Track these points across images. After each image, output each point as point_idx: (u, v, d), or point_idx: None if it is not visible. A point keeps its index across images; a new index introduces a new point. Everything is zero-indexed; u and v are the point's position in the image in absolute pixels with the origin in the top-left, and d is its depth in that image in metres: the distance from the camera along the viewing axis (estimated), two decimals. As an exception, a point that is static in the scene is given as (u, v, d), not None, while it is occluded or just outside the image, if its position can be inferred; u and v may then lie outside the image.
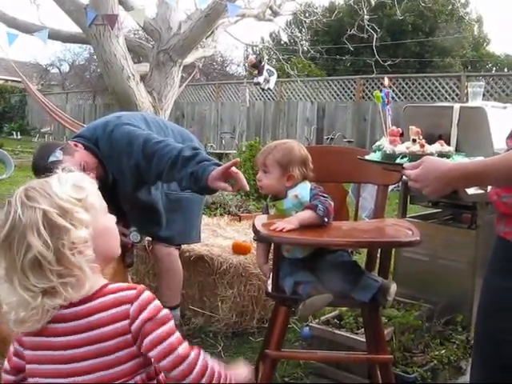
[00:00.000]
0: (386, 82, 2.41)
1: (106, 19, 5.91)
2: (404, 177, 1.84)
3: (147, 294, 1.29)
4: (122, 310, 1.26)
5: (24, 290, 1.23)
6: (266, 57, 11.32)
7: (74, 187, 1.30)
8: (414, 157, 1.80)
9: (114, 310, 1.26)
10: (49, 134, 21.55)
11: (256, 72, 10.75)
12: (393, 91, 12.50)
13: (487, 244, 1.65)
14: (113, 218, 1.40)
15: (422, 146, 1.86)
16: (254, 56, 11.08)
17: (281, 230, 2.00)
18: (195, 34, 6.57)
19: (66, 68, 27.05)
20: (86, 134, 2.93)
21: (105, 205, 1.38)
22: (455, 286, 3.20)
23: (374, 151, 2.05)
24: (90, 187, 1.35)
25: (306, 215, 2.10)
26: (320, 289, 2.06)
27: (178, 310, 3.19)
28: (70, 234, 1.24)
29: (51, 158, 2.68)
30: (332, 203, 2.16)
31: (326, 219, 2.10)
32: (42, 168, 2.64)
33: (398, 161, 1.87)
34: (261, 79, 10.76)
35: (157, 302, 1.30)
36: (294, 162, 2.22)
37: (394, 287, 2.11)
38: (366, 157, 2.10)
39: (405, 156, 1.87)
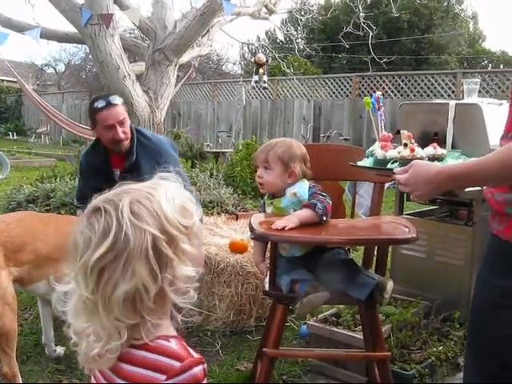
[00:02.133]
0: (379, 93, 2.39)
1: (101, 19, 5.89)
2: None
3: (191, 373, 1.04)
4: (153, 377, 1.04)
5: (109, 322, 1.04)
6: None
7: (183, 210, 1.10)
8: (404, 161, 1.81)
9: (145, 372, 1.05)
10: (45, 134, 21.53)
11: (262, 71, 10.84)
12: (389, 89, 12.51)
13: (484, 240, 1.66)
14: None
15: (413, 150, 1.87)
16: (263, 55, 11.12)
17: (283, 229, 2.00)
18: (191, 32, 6.55)
19: (61, 68, 27.12)
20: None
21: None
22: (452, 282, 3.20)
23: (367, 156, 2.07)
24: (196, 211, 1.14)
25: (305, 214, 2.11)
26: (317, 287, 2.06)
27: None
28: (173, 266, 1.06)
29: (113, 99, 3.18)
30: (330, 202, 2.17)
31: (324, 218, 2.11)
32: (100, 101, 3.16)
33: (389, 166, 1.88)
34: (266, 78, 10.93)
35: None
36: (295, 158, 2.24)
37: (390, 285, 2.11)
38: (359, 163, 2.11)
39: (396, 161, 1.88)
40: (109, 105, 3.13)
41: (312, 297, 2.03)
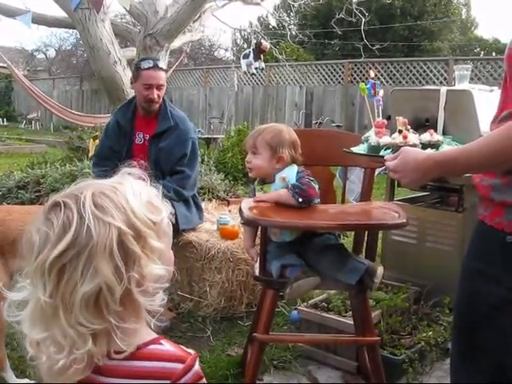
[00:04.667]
0: (372, 74, 2.41)
1: (91, 3, 5.84)
2: None
3: (195, 371, 0.99)
4: None
5: (71, 327, 0.93)
6: (254, 41, 11.30)
7: (150, 205, 1.01)
8: (396, 148, 1.80)
9: (150, 382, 0.97)
10: (36, 120, 21.41)
11: (262, 58, 10.94)
12: (381, 75, 12.48)
13: (474, 227, 1.67)
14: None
15: (405, 137, 1.86)
16: (267, 43, 11.15)
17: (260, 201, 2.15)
18: (182, 17, 6.51)
19: (52, 53, 26.78)
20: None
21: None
22: (442, 268, 3.21)
23: (363, 142, 2.07)
24: (164, 207, 1.05)
25: (283, 192, 2.17)
26: (307, 272, 2.07)
27: None
28: (141, 265, 0.96)
29: (160, 63, 3.52)
30: (316, 186, 2.19)
31: (299, 199, 2.12)
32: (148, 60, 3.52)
33: (382, 153, 1.88)
34: (263, 65, 11.10)
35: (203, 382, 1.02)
36: (284, 143, 2.25)
37: (380, 270, 2.12)
38: (353, 149, 2.11)
39: (388, 148, 1.88)
40: (155, 67, 3.46)
41: (302, 282, 2.03)
